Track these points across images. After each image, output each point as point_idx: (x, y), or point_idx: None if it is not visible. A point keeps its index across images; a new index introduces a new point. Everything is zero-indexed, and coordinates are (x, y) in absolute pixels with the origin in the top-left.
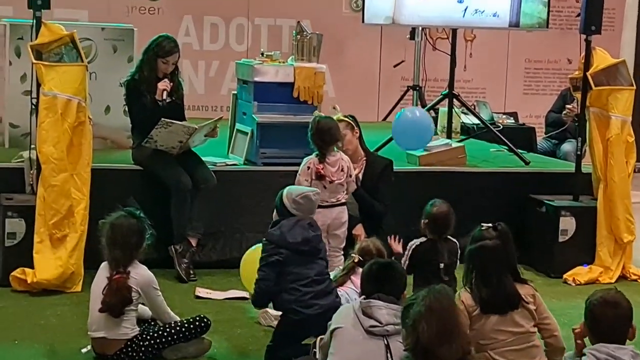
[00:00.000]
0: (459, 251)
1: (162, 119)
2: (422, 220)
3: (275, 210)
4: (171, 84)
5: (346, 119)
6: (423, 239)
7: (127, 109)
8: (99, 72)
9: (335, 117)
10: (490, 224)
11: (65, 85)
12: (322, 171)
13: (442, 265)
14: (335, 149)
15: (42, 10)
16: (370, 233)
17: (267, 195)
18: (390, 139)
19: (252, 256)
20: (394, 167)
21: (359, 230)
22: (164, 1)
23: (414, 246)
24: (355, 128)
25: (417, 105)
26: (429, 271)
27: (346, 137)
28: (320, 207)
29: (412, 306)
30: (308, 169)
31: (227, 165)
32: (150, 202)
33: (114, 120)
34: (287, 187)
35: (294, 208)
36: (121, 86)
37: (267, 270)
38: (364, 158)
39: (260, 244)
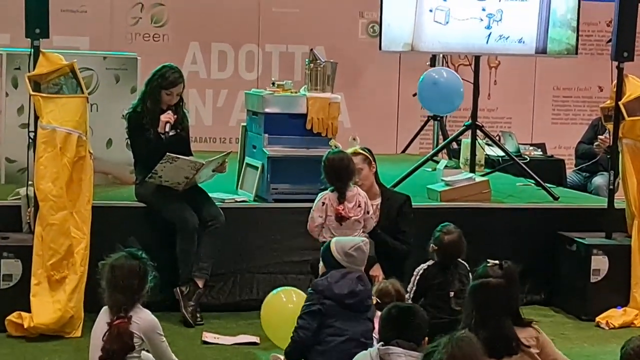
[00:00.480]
0: (470, 274)
1: (167, 153)
2: (431, 245)
3: (321, 262)
4: (175, 116)
5: (364, 152)
6: (430, 263)
7: (129, 142)
8: (101, 104)
9: (351, 150)
10: (496, 261)
11: (64, 118)
12: (342, 212)
13: (452, 293)
14: (352, 184)
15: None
16: (388, 274)
17: (278, 233)
18: (410, 173)
19: (275, 300)
20: (413, 203)
21: (376, 271)
22: (170, 27)
23: (421, 271)
24: (373, 162)
25: (437, 135)
26: (438, 298)
27: (363, 171)
28: None
29: (433, 354)
30: (323, 205)
31: (236, 201)
32: (155, 242)
33: (116, 154)
34: (335, 239)
35: (345, 261)
36: (123, 118)
37: (308, 319)
38: (380, 195)
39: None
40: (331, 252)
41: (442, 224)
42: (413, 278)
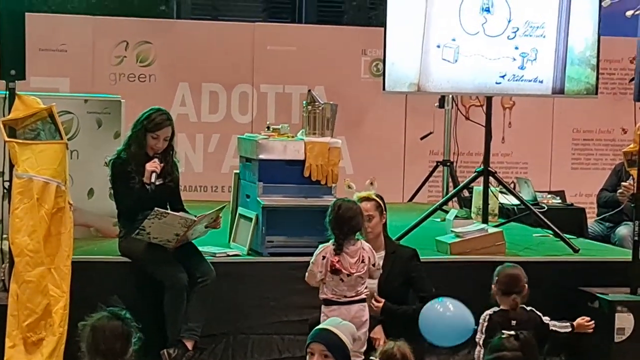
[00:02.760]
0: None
1: (156, 208)
2: (493, 285)
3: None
4: (162, 164)
5: (377, 198)
6: (496, 309)
7: (112, 192)
8: (81, 150)
9: (364, 194)
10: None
11: (42, 166)
12: (337, 265)
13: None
14: (358, 236)
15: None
16: (392, 335)
17: (274, 290)
18: (417, 224)
19: None
20: (421, 257)
21: (377, 333)
22: (157, 67)
23: (487, 316)
24: (384, 212)
25: (447, 182)
26: None
27: (373, 219)
28: (336, 303)
29: None
30: (323, 259)
31: (229, 255)
32: (140, 300)
33: (98, 205)
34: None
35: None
36: (106, 166)
37: None
38: (384, 248)
39: None
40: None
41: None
42: (481, 323)
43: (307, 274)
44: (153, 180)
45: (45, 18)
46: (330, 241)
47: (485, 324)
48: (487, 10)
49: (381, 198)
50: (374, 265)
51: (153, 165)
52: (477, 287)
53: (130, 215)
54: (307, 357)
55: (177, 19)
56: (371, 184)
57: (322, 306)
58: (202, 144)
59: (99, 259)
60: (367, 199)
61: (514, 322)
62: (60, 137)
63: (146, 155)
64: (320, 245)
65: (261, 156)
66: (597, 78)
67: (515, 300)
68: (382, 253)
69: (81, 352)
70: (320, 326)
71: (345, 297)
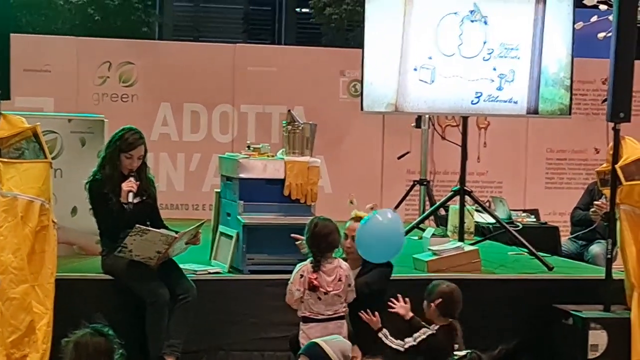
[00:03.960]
0: None
1: (137, 225)
2: (431, 304)
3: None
4: (138, 182)
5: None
6: (436, 327)
7: (92, 213)
8: (65, 169)
9: (360, 214)
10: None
11: (26, 185)
12: (315, 282)
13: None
14: (337, 253)
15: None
16: (368, 352)
17: (255, 307)
18: None
19: None
20: (398, 274)
21: (355, 351)
22: (139, 87)
23: (425, 336)
24: None
25: (424, 201)
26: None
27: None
28: (314, 320)
29: None
30: (301, 277)
31: (209, 273)
32: (122, 317)
33: (81, 223)
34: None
35: None
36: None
37: None
38: (361, 265)
39: None
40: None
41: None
42: (416, 338)
43: (287, 294)
44: (130, 199)
45: (29, 39)
46: (309, 259)
47: (423, 337)
48: (462, 33)
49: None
50: (349, 285)
51: (129, 185)
52: None
53: (112, 234)
54: None
55: (159, 39)
56: (351, 202)
57: (301, 323)
58: (184, 163)
59: (82, 277)
60: (358, 218)
61: (456, 345)
62: (44, 156)
63: (121, 175)
64: (299, 264)
65: (242, 175)
66: (571, 99)
67: (455, 322)
68: (359, 270)
69: None
70: (312, 340)
71: (323, 315)
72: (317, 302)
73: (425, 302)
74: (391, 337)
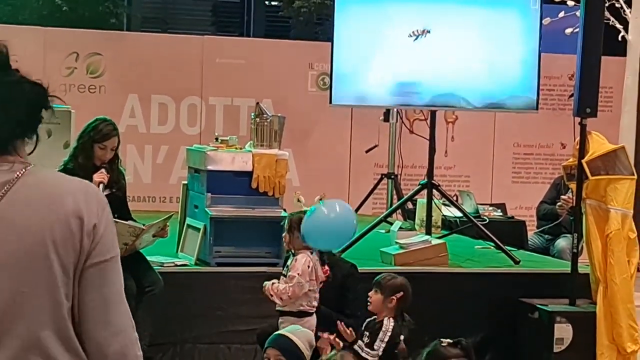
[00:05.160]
0: None
1: None
2: (393, 297)
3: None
4: (108, 174)
5: None
6: (392, 321)
7: None
8: (31, 160)
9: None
10: (449, 340)
11: None
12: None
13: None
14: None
15: None
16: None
17: (221, 300)
18: (362, 235)
19: None
20: (365, 268)
21: (323, 342)
22: (107, 78)
23: (391, 328)
24: None
25: (392, 195)
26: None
27: None
28: (309, 314)
29: None
30: (309, 268)
31: (176, 265)
32: None
33: None
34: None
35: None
36: None
37: None
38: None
39: None
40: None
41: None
42: (383, 335)
43: (292, 289)
44: (101, 190)
45: None
46: (310, 251)
47: (389, 334)
48: (429, 29)
49: None
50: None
51: (100, 177)
52: (420, 298)
53: None
54: None
55: (128, 31)
56: (298, 200)
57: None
58: (151, 154)
59: None
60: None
61: (402, 336)
62: None
63: (94, 166)
64: (299, 256)
65: (209, 167)
66: (538, 93)
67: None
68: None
69: None
70: (277, 332)
71: (314, 307)
72: (314, 294)
73: (379, 296)
74: (367, 349)
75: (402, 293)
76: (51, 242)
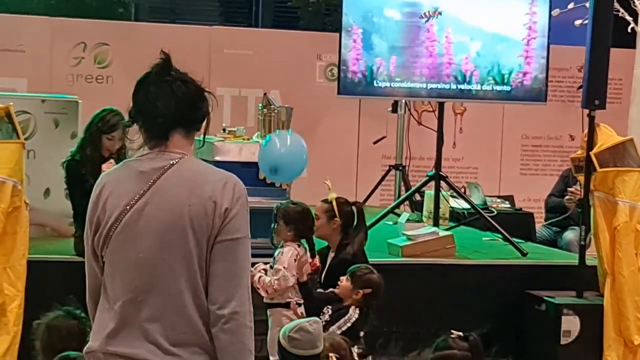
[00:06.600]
0: None
1: None
2: (360, 291)
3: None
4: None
5: (334, 204)
6: (357, 311)
7: (68, 193)
8: (38, 150)
9: (330, 197)
10: (460, 333)
11: None
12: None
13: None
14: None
15: None
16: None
17: None
18: (370, 227)
19: None
20: (372, 259)
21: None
22: (114, 69)
23: (354, 319)
24: (336, 219)
25: (399, 186)
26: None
27: (318, 220)
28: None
29: None
30: (295, 262)
31: None
32: None
33: (54, 204)
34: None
35: (292, 347)
36: (62, 167)
37: None
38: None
39: None
40: (280, 344)
41: (354, 267)
42: (343, 323)
43: (277, 282)
44: None
45: (3, 18)
46: (297, 244)
47: (349, 324)
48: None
49: (346, 204)
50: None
51: (109, 167)
52: (427, 290)
53: (86, 216)
54: None
55: (135, 21)
56: (327, 183)
57: (280, 310)
58: None
59: (55, 259)
60: (324, 200)
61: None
62: (17, 137)
63: (102, 157)
64: (285, 249)
65: (217, 158)
66: (547, 85)
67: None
68: (332, 254)
69: (35, 351)
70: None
71: (300, 299)
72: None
73: (348, 284)
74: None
75: (370, 290)
76: (188, 219)
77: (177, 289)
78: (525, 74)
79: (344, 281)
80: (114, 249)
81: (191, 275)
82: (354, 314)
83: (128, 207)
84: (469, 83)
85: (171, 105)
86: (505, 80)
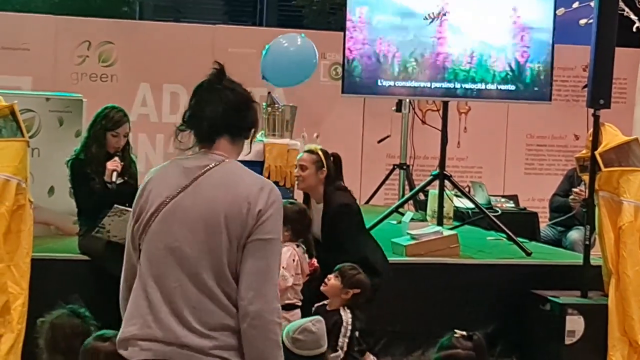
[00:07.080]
0: None
1: (115, 205)
2: (349, 290)
3: None
4: (122, 163)
5: (320, 153)
6: (350, 314)
7: (72, 192)
8: (42, 148)
9: (311, 147)
10: (464, 333)
11: (2, 164)
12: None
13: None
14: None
15: None
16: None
17: None
18: (374, 226)
19: None
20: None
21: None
22: (118, 67)
23: (350, 321)
24: (324, 169)
25: (403, 185)
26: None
27: (306, 170)
28: (297, 307)
29: None
30: (294, 262)
31: None
32: (99, 298)
33: (58, 203)
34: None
35: (296, 348)
36: (66, 165)
37: None
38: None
39: None
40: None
41: (340, 266)
42: (343, 334)
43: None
44: (114, 179)
45: (7, 17)
46: (296, 244)
47: (350, 327)
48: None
49: (329, 155)
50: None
51: (114, 164)
52: (431, 289)
53: (91, 214)
54: None
55: (140, 20)
56: (317, 137)
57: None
58: (162, 144)
59: (59, 257)
60: (310, 151)
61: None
62: (21, 135)
63: (107, 154)
64: (283, 250)
65: None
66: (551, 85)
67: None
68: (321, 206)
69: (39, 349)
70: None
71: (301, 299)
72: (300, 287)
73: (338, 283)
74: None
75: (359, 290)
76: (223, 217)
77: (207, 277)
78: (529, 73)
79: (333, 279)
80: (151, 237)
81: (220, 267)
82: (347, 317)
83: (168, 200)
84: (474, 82)
85: (218, 111)
86: (510, 80)
